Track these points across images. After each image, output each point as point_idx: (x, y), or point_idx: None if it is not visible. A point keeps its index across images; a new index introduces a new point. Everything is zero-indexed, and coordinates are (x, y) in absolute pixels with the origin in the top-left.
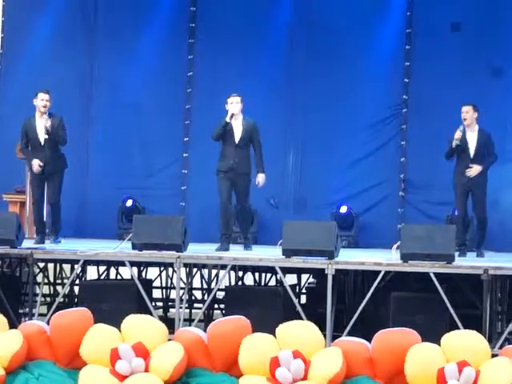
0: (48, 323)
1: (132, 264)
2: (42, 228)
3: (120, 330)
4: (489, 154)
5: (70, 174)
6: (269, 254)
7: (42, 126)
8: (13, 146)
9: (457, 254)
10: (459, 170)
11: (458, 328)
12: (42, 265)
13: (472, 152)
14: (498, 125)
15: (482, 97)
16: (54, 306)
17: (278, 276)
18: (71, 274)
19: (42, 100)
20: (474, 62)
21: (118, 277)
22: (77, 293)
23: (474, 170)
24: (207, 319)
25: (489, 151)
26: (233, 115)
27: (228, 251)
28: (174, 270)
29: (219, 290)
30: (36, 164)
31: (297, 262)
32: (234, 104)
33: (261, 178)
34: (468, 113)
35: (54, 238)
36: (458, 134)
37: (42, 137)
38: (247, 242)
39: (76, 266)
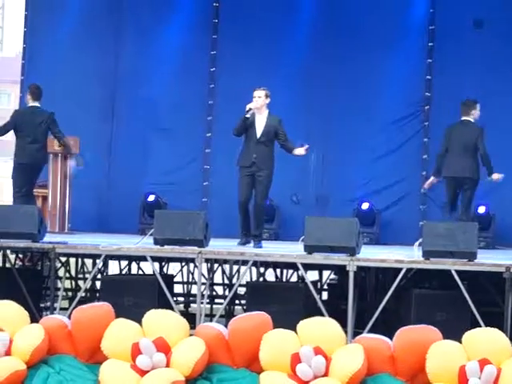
0: (69, 318)
1: (153, 259)
2: None
3: (141, 325)
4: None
5: (92, 169)
6: (290, 250)
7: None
8: None
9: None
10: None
11: (480, 326)
12: (63, 259)
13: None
14: None
15: (505, 94)
16: (76, 301)
17: (300, 272)
18: (93, 269)
19: None
20: (497, 58)
21: (140, 272)
22: (98, 287)
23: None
24: (228, 315)
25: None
26: (249, 110)
27: (249, 244)
28: (195, 266)
29: (240, 285)
30: None
31: (318, 258)
32: (255, 98)
33: (301, 150)
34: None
35: None
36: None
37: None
38: (258, 239)
39: (98, 261)
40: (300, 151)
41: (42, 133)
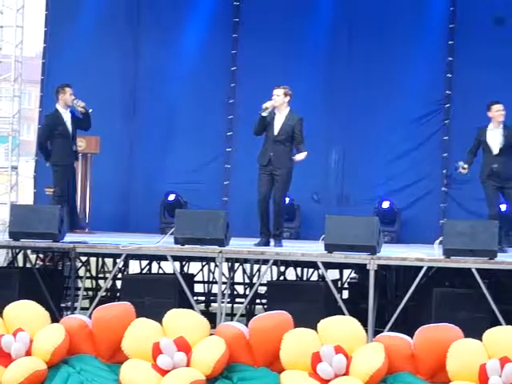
0: (90, 317)
1: (174, 258)
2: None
3: (162, 325)
4: None
5: (113, 168)
6: (311, 249)
7: (68, 116)
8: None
9: None
10: (485, 164)
11: (501, 324)
12: (84, 259)
13: (497, 149)
14: None
15: None
16: (96, 300)
17: (320, 271)
18: (113, 268)
19: (71, 95)
20: None
21: (160, 271)
22: (119, 287)
23: None
24: (249, 314)
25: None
26: (265, 109)
27: (267, 246)
28: (215, 265)
29: (261, 284)
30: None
31: (339, 257)
32: (274, 97)
33: (300, 156)
34: (504, 111)
35: None
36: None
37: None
38: (278, 238)
39: (118, 260)
40: (297, 157)
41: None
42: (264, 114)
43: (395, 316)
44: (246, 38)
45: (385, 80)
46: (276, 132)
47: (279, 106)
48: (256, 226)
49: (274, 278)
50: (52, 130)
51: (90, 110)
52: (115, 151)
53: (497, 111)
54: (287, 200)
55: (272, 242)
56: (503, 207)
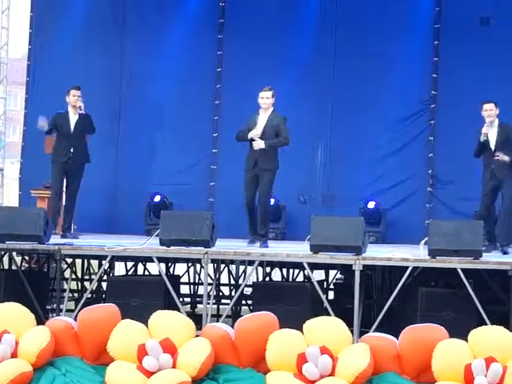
0: (75, 319)
1: (160, 260)
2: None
3: (147, 326)
4: (509, 144)
5: (99, 169)
6: (296, 250)
7: (74, 118)
8: (41, 142)
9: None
10: (485, 165)
11: (486, 324)
12: (69, 260)
13: (493, 147)
14: None
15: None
16: (82, 302)
17: (306, 272)
18: (99, 270)
19: (74, 96)
20: (503, 56)
21: (146, 273)
22: (104, 289)
23: (501, 157)
24: (235, 315)
25: (509, 142)
26: (253, 140)
27: (255, 244)
28: (201, 266)
29: (247, 285)
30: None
31: (324, 257)
32: (263, 99)
33: (259, 143)
34: (492, 110)
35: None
36: (485, 129)
37: (73, 125)
38: (264, 239)
39: (104, 262)
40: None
41: None
42: (249, 138)
43: (381, 316)
44: (231, 38)
45: (371, 80)
46: (260, 133)
47: (267, 107)
48: (242, 227)
49: (260, 279)
50: (55, 126)
51: (82, 111)
52: (101, 152)
53: (485, 111)
54: (273, 201)
55: (257, 243)
56: None
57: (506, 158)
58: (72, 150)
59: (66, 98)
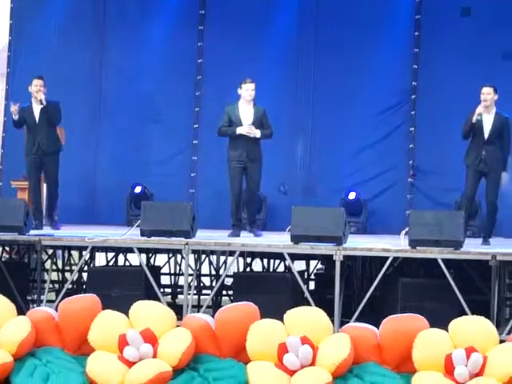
0: (56, 310)
1: (140, 250)
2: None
3: (128, 317)
4: (502, 138)
5: (80, 160)
6: (277, 240)
7: (37, 108)
8: (21, 133)
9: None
10: (472, 151)
11: (466, 314)
12: (50, 251)
13: (486, 134)
14: (509, 109)
15: (492, 81)
16: (63, 293)
17: (287, 262)
18: (79, 261)
19: (36, 86)
20: (484, 46)
21: (127, 263)
22: (85, 279)
23: (504, 179)
24: (215, 305)
25: (502, 135)
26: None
27: (238, 237)
28: (182, 257)
29: (227, 276)
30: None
31: (305, 248)
32: (248, 91)
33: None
34: (490, 94)
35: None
36: (479, 109)
37: (38, 115)
38: (255, 226)
39: (84, 253)
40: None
41: None
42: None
43: (361, 306)
44: (211, 30)
45: (352, 70)
46: (250, 124)
47: (251, 99)
48: (222, 218)
49: (241, 269)
50: (24, 120)
51: (43, 104)
52: (81, 143)
53: (482, 94)
54: None
55: (251, 234)
56: None
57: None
58: (40, 142)
59: (29, 88)
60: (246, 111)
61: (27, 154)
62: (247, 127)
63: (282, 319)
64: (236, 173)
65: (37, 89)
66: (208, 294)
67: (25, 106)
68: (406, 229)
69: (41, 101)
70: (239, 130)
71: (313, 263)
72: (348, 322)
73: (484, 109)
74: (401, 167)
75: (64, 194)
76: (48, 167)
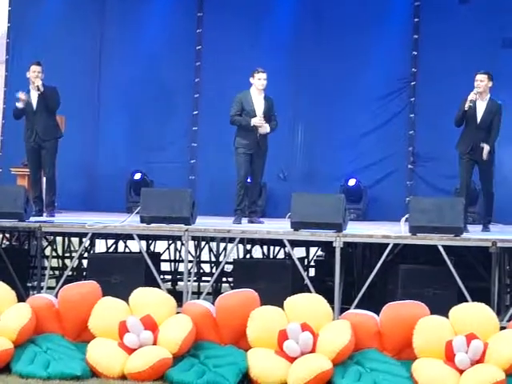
0: (56, 296)
1: (140, 237)
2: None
3: (128, 303)
4: (493, 125)
5: (79, 147)
6: (277, 227)
7: (35, 94)
8: (21, 120)
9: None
10: (464, 137)
11: (467, 301)
12: (50, 238)
13: (478, 120)
14: (509, 96)
15: (492, 68)
16: (63, 280)
17: (287, 249)
18: (79, 248)
19: (33, 72)
20: (483, 33)
21: (127, 250)
22: (85, 266)
23: (485, 151)
24: (215, 292)
25: (494, 123)
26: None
27: (240, 224)
28: (182, 243)
29: (227, 263)
30: (21, 97)
31: (305, 235)
32: (260, 81)
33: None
34: (483, 81)
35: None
36: (471, 96)
37: (35, 102)
38: (256, 214)
39: (84, 240)
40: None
41: None
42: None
43: (361, 293)
44: (210, 16)
45: (352, 57)
46: (261, 115)
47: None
48: (222, 205)
49: (241, 256)
50: (24, 112)
51: (41, 91)
52: (81, 130)
53: (475, 80)
54: None
55: (252, 221)
56: None
57: (488, 148)
58: (37, 130)
59: (27, 74)
60: (258, 101)
61: (26, 141)
62: (259, 120)
63: (282, 306)
64: (245, 161)
65: (35, 75)
66: (208, 281)
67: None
68: (406, 215)
69: (38, 87)
70: (254, 122)
71: (313, 250)
72: (348, 309)
73: (478, 95)
74: (401, 154)
75: (64, 181)
76: (46, 153)
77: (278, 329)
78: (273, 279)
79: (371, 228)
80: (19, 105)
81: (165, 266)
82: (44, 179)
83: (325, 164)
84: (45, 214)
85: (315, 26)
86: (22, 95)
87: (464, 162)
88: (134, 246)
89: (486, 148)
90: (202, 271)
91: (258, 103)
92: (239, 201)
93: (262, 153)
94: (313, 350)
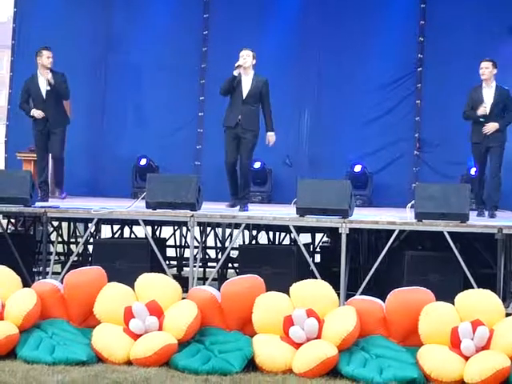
0: (62, 282)
1: (146, 223)
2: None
3: (134, 289)
4: (507, 110)
5: (85, 132)
6: (283, 213)
7: (44, 81)
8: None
9: (475, 213)
10: (476, 126)
11: (472, 287)
12: (55, 223)
13: (488, 108)
14: None
15: (498, 55)
16: (68, 265)
17: (292, 235)
18: (85, 233)
19: (48, 58)
20: (490, 20)
21: (132, 235)
22: (91, 251)
23: (491, 126)
24: (221, 278)
25: (508, 108)
26: (238, 67)
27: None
28: (187, 229)
29: (233, 248)
30: (37, 112)
31: (311, 220)
32: (244, 57)
33: (271, 137)
34: (487, 68)
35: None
36: (482, 111)
37: (44, 91)
38: (244, 201)
39: (90, 225)
40: (268, 139)
41: None
42: (236, 74)
43: (367, 279)
44: (217, 1)
45: (358, 43)
46: (245, 94)
47: (248, 67)
48: (228, 191)
49: (246, 242)
50: (28, 95)
51: (52, 82)
52: (87, 116)
53: (480, 68)
54: (259, 164)
55: (237, 207)
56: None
57: (496, 126)
58: (48, 116)
59: (38, 59)
60: (245, 79)
61: (33, 128)
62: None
63: (287, 292)
64: (229, 141)
65: (49, 61)
66: (213, 267)
67: (31, 76)
68: (412, 202)
69: (48, 81)
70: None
71: (318, 236)
72: (354, 295)
73: (483, 83)
74: (407, 140)
75: (70, 166)
76: (55, 139)
77: (284, 315)
78: (278, 265)
79: (377, 214)
80: (31, 114)
81: (170, 252)
82: (50, 165)
83: (331, 150)
84: (57, 192)
85: (321, 12)
86: (38, 114)
87: (477, 152)
88: (140, 231)
89: (495, 125)
90: (207, 257)
91: (245, 82)
92: (229, 185)
93: (248, 133)
94: (318, 336)
